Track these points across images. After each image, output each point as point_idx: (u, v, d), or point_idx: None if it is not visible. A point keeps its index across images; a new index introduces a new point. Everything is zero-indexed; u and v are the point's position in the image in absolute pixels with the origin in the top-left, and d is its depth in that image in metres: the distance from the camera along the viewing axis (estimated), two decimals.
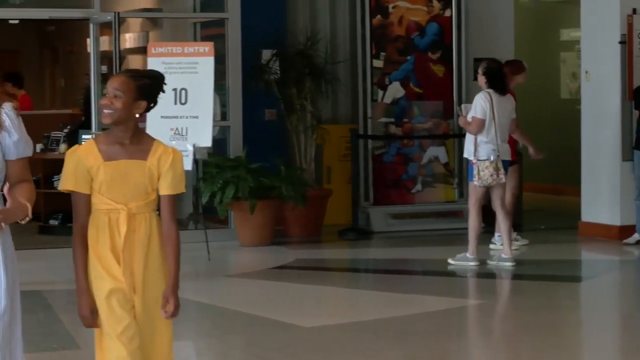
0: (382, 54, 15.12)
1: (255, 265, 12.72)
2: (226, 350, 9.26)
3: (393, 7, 15.12)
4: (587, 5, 14.01)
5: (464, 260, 12.04)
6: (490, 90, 11.94)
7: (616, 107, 13.54)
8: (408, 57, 15.06)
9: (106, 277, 5.37)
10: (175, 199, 5.50)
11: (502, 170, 11.76)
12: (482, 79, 12.12)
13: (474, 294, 11.73)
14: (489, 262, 12.11)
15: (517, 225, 14.17)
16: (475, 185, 11.96)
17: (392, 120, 15.21)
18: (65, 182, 5.38)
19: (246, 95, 14.39)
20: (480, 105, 11.87)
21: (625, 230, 13.32)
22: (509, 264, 11.95)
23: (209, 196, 13.56)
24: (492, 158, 11.73)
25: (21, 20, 18.92)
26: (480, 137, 11.83)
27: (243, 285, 11.82)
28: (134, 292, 5.38)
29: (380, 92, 15.03)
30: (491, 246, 12.89)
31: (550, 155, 16.10)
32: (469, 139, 12.09)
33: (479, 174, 11.84)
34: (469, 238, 12.04)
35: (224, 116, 14.31)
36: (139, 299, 5.39)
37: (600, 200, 13.84)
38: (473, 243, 12.02)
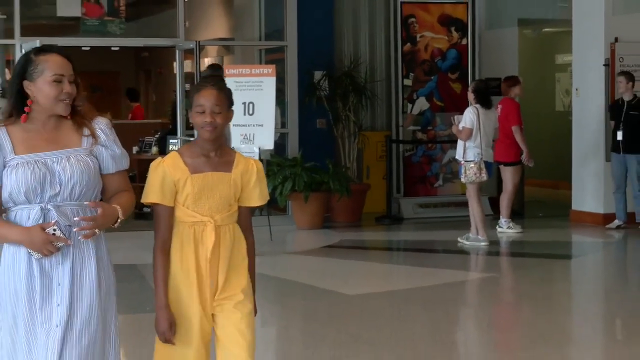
0: (411, 74, 15.09)
1: (309, 245, 12.75)
2: (287, 314, 9.30)
3: (420, 37, 15.10)
4: (578, 35, 13.95)
5: (476, 241, 12.04)
6: (478, 105, 12.04)
7: (600, 118, 13.49)
8: (432, 77, 15.03)
9: (186, 299, 4.57)
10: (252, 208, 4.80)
11: (484, 170, 11.93)
12: (471, 96, 12.24)
13: (485, 269, 11.73)
14: (459, 240, 12.21)
15: (520, 214, 14.19)
16: (464, 182, 12.11)
17: (419, 128, 15.18)
18: (150, 195, 4.58)
19: (301, 107, 14.41)
20: (469, 117, 11.99)
21: (608, 217, 13.31)
22: (483, 244, 12.06)
23: (271, 189, 13.59)
24: (476, 160, 11.85)
25: (121, 47, 18.99)
26: (468, 143, 11.96)
27: (299, 261, 11.89)
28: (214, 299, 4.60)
29: (410, 105, 15.01)
30: (497, 229, 12.93)
31: (547, 156, 16.13)
32: (459, 144, 12.18)
33: (465, 172, 11.95)
34: (477, 223, 12.04)
35: (283, 125, 14.30)
36: (221, 307, 4.60)
37: (587, 193, 13.80)
38: (482, 227, 12.03)
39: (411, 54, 15.09)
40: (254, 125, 12.76)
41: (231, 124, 12.78)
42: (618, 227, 13.11)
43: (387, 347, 7.72)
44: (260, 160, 12.94)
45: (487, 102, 12.14)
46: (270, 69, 13.23)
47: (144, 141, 15.82)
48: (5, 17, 13.97)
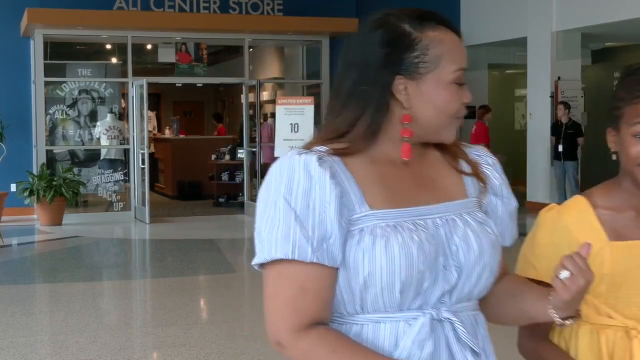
0: None
1: None
2: None
3: None
4: (531, 75, 13.93)
5: None
6: None
7: (547, 135, 13.48)
8: None
9: None
10: None
11: None
12: None
13: None
14: None
15: None
16: None
17: None
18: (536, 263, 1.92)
19: None
20: None
21: None
22: None
23: None
24: None
25: (204, 84, 19.15)
26: None
27: None
28: None
29: None
30: None
31: (508, 162, 16.03)
32: None
33: None
34: None
35: None
36: None
37: (538, 188, 13.79)
38: None
39: None
40: (298, 140, 12.83)
41: (281, 138, 12.97)
42: None
43: None
44: None
45: None
46: (310, 99, 13.31)
47: (219, 151, 15.93)
48: (121, 62, 14.13)
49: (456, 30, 1.59)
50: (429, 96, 1.54)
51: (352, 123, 1.56)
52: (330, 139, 1.57)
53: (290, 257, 1.44)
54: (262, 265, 1.50)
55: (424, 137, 1.58)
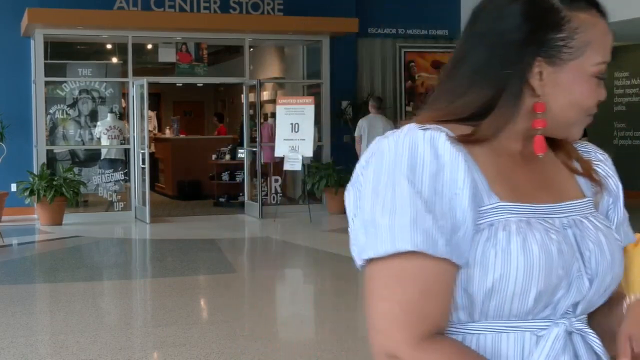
0: (412, 103, 15.12)
1: (337, 225, 12.72)
2: (320, 274, 9.29)
3: (418, 76, 15.12)
4: None
5: None
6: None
7: None
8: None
9: None
10: None
11: None
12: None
13: None
14: None
15: None
16: None
17: None
18: None
19: (332, 127, 14.46)
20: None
21: None
22: None
23: (311, 185, 13.69)
24: None
25: (204, 84, 19.14)
26: None
27: (330, 237, 11.81)
28: None
29: None
30: None
31: None
32: None
33: None
34: None
35: (320, 139, 14.38)
36: None
37: None
38: None
39: (411, 89, 15.12)
40: (298, 140, 12.85)
41: (282, 137, 12.96)
42: None
43: None
44: (304, 165, 13.03)
45: None
46: (311, 99, 13.32)
47: (219, 151, 15.93)
48: (121, 62, 14.13)
49: (606, 16, 1.36)
50: (567, 87, 1.33)
51: (480, 107, 1.32)
52: (445, 121, 1.33)
53: (419, 249, 1.20)
54: (369, 260, 1.26)
55: (551, 132, 1.36)
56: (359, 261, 1.29)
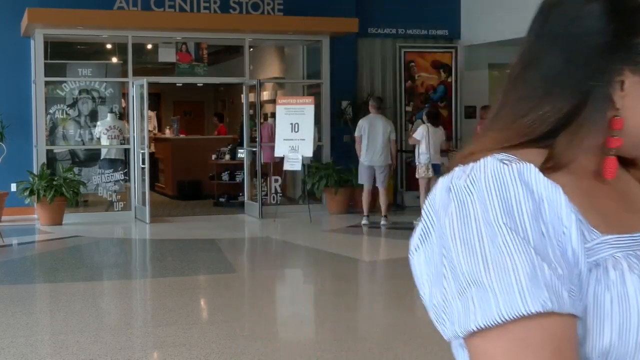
0: (411, 103, 15.11)
1: (337, 225, 12.77)
2: (320, 273, 9.30)
3: (418, 76, 15.10)
4: None
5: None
6: (429, 124, 12.30)
7: None
8: (426, 105, 15.01)
9: None
10: None
11: (430, 169, 12.14)
12: (425, 117, 12.81)
13: None
14: (414, 221, 12.13)
15: None
16: (417, 177, 12.49)
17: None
18: None
19: (332, 127, 14.45)
20: (420, 132, 12.32)
21: None
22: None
23: (311, 185, 13.68)
24: (424, 162, 12.13)
25: (204, 84, 19.13)
26: (420, 149, 12.18)
27: (330, 236, 11.85)
28: None
29: (410, 125, 14.99)
30: None
31: None
32: (416, 150, 12.46)
33: (417, 170, 12.27)
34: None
35: (320, 139, 14.37)
36: None
37: None
38: None
39: (411, 89, 15.10)
40: (298, 140, 12.85)
41: (282, 137, 12.94)
42: None
43: (390, 296, 7.78)
44: (303, 164, 13.03)
45: (436, 122, 12.51)
46: (311, 99, 13.33)
47: (219, 151, 15.93)
48: (121, 62, 14.13)
49: None
50: None
51: (555, 122, 1.10)
52: (515, 145, 1.11)
53: (548, 309, 0.96)
54: (473, 332, 0.98)
55: (624, 151, 1.15)
56: (452, 332, 1.02)
